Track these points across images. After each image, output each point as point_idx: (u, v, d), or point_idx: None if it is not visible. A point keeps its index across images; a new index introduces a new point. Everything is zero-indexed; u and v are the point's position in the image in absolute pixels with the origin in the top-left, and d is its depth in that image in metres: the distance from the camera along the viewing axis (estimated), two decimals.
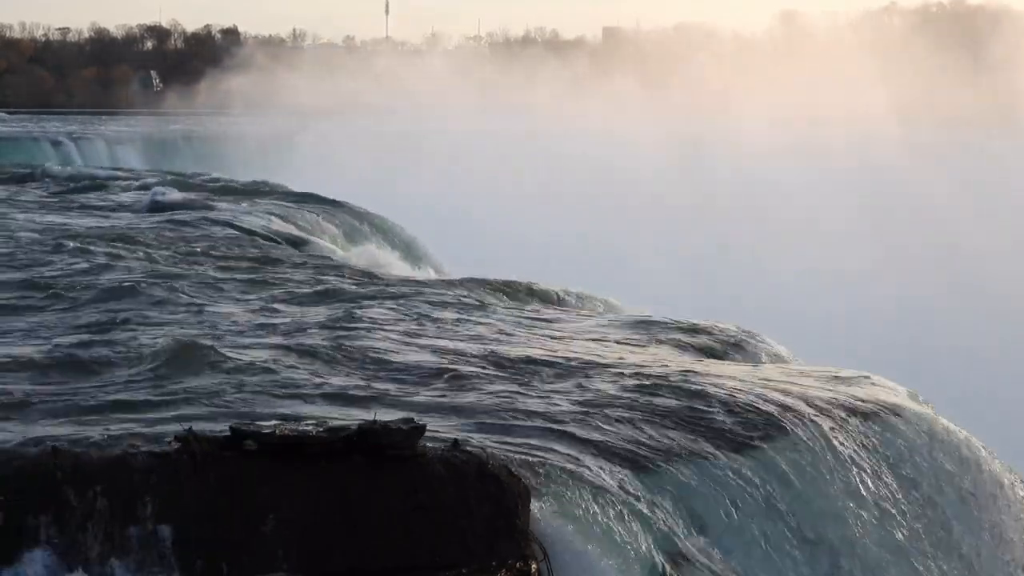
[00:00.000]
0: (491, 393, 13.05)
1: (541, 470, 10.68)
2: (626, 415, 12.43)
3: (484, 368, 14.12)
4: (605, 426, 12.08)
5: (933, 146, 71.38)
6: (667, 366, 14.64)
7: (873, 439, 13.08)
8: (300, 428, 10.11)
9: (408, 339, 15.46)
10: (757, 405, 13.02)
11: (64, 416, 11.49)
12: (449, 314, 17.41)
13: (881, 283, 51.46)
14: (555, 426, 11.92)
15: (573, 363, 14.59)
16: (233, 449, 9.77)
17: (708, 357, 16.08)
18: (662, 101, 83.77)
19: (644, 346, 16.19)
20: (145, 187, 35.85)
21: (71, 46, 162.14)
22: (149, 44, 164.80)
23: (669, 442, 11.96)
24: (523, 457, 10.85)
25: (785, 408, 13.06)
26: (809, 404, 13.28)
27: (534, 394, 13.07)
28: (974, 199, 62.40)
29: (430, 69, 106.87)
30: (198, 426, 10.32)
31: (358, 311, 17.14)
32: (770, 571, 11.29)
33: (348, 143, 73.84)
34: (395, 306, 17.74)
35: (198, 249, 23.39)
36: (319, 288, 19.31)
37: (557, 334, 16.52)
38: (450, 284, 20.73)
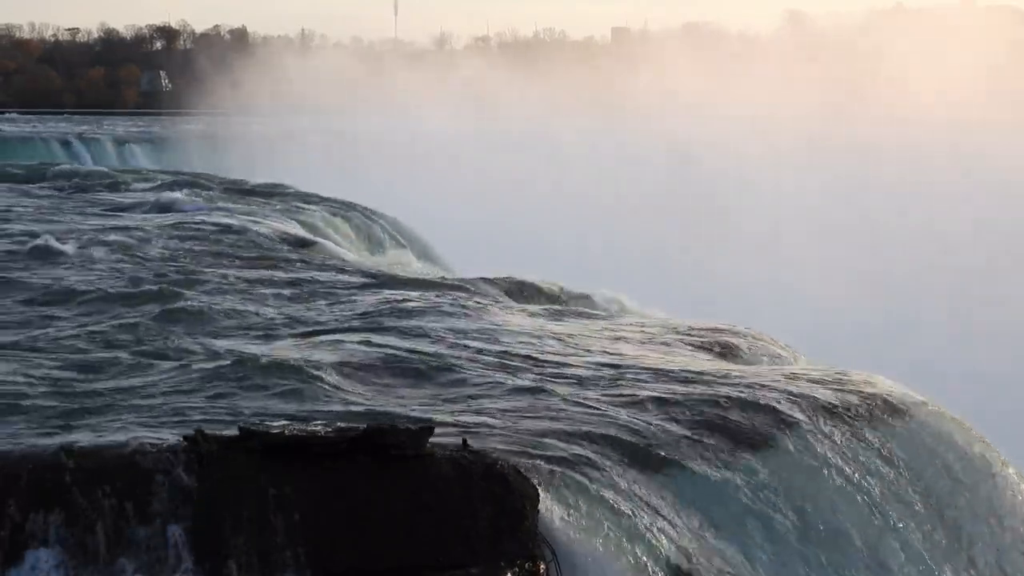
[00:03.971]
0: (502, 393, 13.07)
1: (551, 471, 10.70)
2: (636, 416, 12.44)
3: (495, 368, 14.14)
4: (615, 427, 12.08)
5: (939, 148, 71.20)
6: (675, 367, 14.65)
7: (879, 438, 13.10)
8: (308, 428, 10.15)
9: (417, 339, 15.48)
10: (766, 405, 13.03)
11: (73, 416, 11.53)
12: (455, 312, 17.43)
13: (888, 285, 51.39)
14: (565, 427, 11.94)
15: (582, 363, 14.60)
16: (242, 449, 9.81)
17: (716, 357, 16.10)
18: (669, 101, 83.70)
19: (652, 346, 16.20)
20: (153, 187, 35.93)
21: (80, 46, 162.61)
22: (158, 44, 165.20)
23: (679, 443, 11.98)
24: (533, 458, 10.86)
25: (793, 408, 13.07)
26: (817, 404, 13.29)
27: (545, 395, 13.09)
28: (980, 202, 62.24)
29: (438, 69, 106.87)
30: (207, 426, 10.36)
31: (368, 311, 17.18)
32: (779, 572, 11.31)
33: (356, 144, 73.89)
34: (404, 306, 17.77)
35: (206, 249, 23.43)
36: (327, 288, 19.33)
37: (566, 334, 16.53)
38: (457, 283, 20.76)
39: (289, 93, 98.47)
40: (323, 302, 18.16)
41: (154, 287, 18.29)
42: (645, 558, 10.36)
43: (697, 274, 48.70)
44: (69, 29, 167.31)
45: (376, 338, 15.28)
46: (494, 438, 11.28)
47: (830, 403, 13.40)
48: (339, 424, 10.33)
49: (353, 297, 18.63)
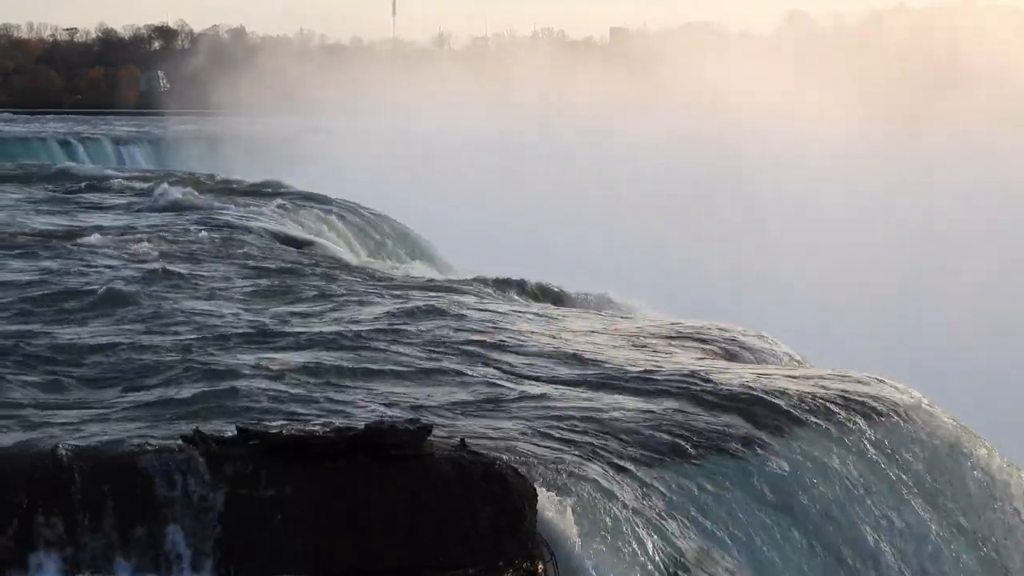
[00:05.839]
0: (502, 393, 13.05)
1: (550, 471, 10.68)
2: (635, 417, 12.42)
3: (495, 368, 14.12)
4: (613, 427, 12.07)
5: (939, 148, 71.17)
6: (676, 367, 14.63)
7: (883, 440, 13.09)
8: (307, 428, 10.12)
9: (418, 338, 15.46)
10: (768, 405, 13.02)
11: (72, 417, 11.50)
12: (457, 313, 17.41)
13: (888, 285, 51.40)
14: (564, 427, 11.92)
15: (583, 364, 14.58)
16: (241, 449, 9.78)
17: (718, 357, 16.08)
18: (669, 101, 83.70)
19: (654, 347, 16.18)
20: (151, 187, 35.87)
21: (79, 46, 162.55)
22: (156, 44, 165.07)
23: (677, 444, 11.95)
24: (532, 458, 10.84)
25: (794, 409, 13.05)
26: (819, 405, 13.27)
27: (544, 395, 13.07)
28: (982, 202, 62.22)
29: (437, 70, 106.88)
30: (205, 426, 10.33)
31: (366, 311, 17.15)
32: (777, 571, 11.28)
33: (354, 144, 73.87)
34: (404, 306, 17.75)
35: (203, 249, 23.40)
36: (326, 288, 19.31)
37: (567, 334, 16.52)
38: (458, 284, 20.74)
39: (288, 93, 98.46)
40: (320, 302, 18.13)
41: (152, 287, 18.25)
42: (644, 557, 10.33)
43: (697, 274, 48.67)
44: (67, 29, 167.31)
45: (374, 338, 15.26)
46: (492, 437, 11.25)
47: (832, 403, 13.38)
48: (338, 424, 10.31)
49: (350, 297, 18.60)
